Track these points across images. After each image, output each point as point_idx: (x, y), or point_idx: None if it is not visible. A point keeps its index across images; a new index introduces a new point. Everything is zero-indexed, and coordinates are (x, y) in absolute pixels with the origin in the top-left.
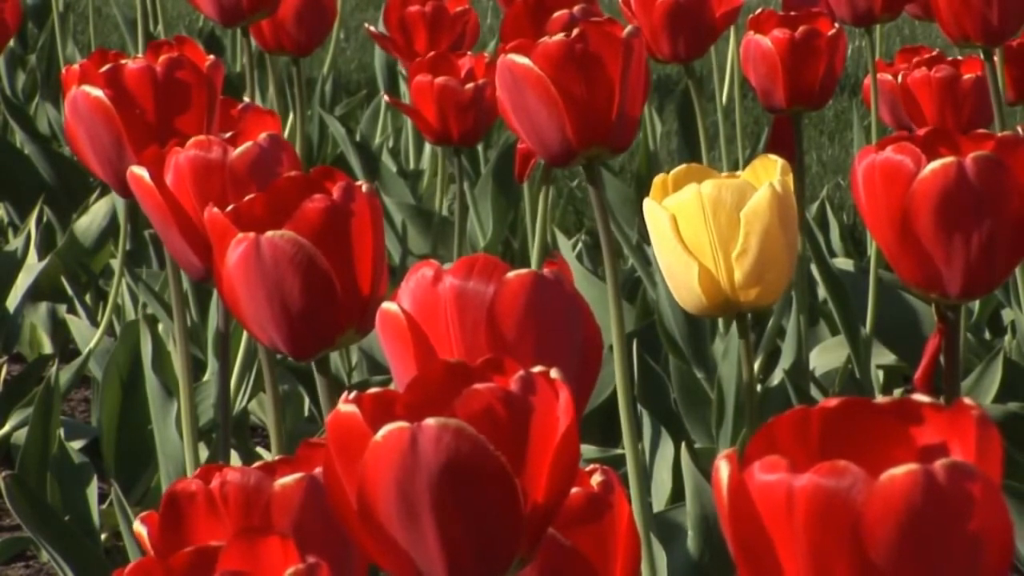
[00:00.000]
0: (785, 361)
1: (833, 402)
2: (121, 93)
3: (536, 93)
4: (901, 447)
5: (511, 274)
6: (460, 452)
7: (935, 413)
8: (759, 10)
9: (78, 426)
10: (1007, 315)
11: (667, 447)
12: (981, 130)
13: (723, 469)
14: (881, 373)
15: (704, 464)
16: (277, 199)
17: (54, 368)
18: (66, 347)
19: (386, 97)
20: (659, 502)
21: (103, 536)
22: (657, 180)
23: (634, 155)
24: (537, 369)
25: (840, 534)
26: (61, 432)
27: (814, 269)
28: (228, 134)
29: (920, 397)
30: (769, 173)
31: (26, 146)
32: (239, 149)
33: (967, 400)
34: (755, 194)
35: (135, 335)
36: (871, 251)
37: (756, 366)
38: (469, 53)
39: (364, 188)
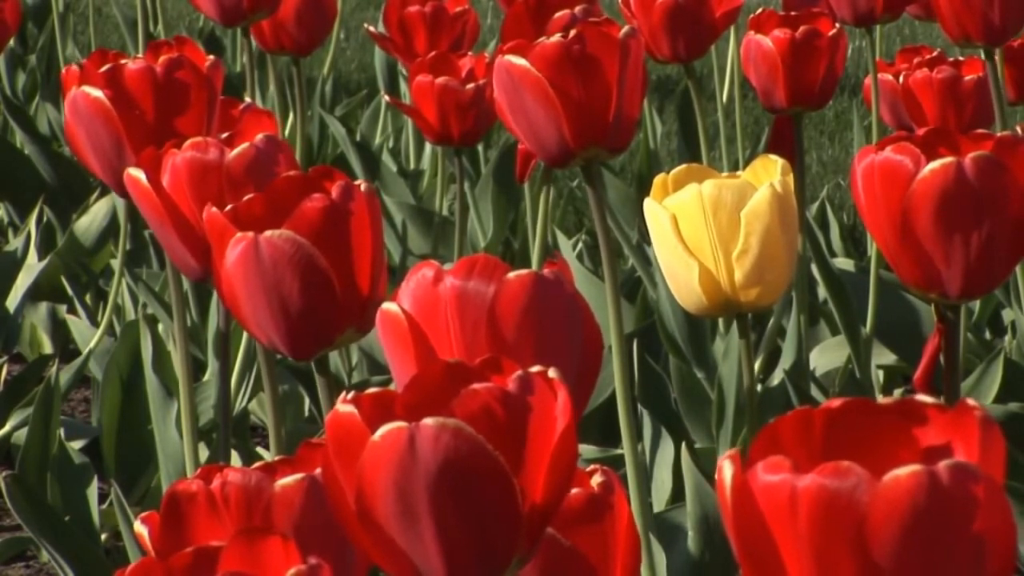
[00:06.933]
0: (785, 361)
1: (836, 402)
2: (121, 93)
3: (533, 94)
4: (904, 448)
5: (512, 274)
6: (458, 452)
7: (938, 414)
8: (759, 10)
9: (78, 426)
10: (1007, 315)
11: (667, 447)
12: (981, 130)
13: (726, 470)
14: (881, 373)
15: (704, 464)
16: (276, 199)
17: (54, 368)
18: (66, 347)
19: (387, 97)
20: (659, 502)
21: (103, 536)
22: (657, 180)
23: (635, 155)
24: (535, 369)
25: (844, 535)
26: (61, 432)
27: (814, 269)
28: (225, 135)
29: (923, 397)
30: (769, 173)
31: (26, 146)
32: (236, 150)
33: (970, 401)
34: (755, 194)
35: (135, 335)
36: (871, 251)
37: (756, 366)
38: (470, 53)
39: (363, 187)
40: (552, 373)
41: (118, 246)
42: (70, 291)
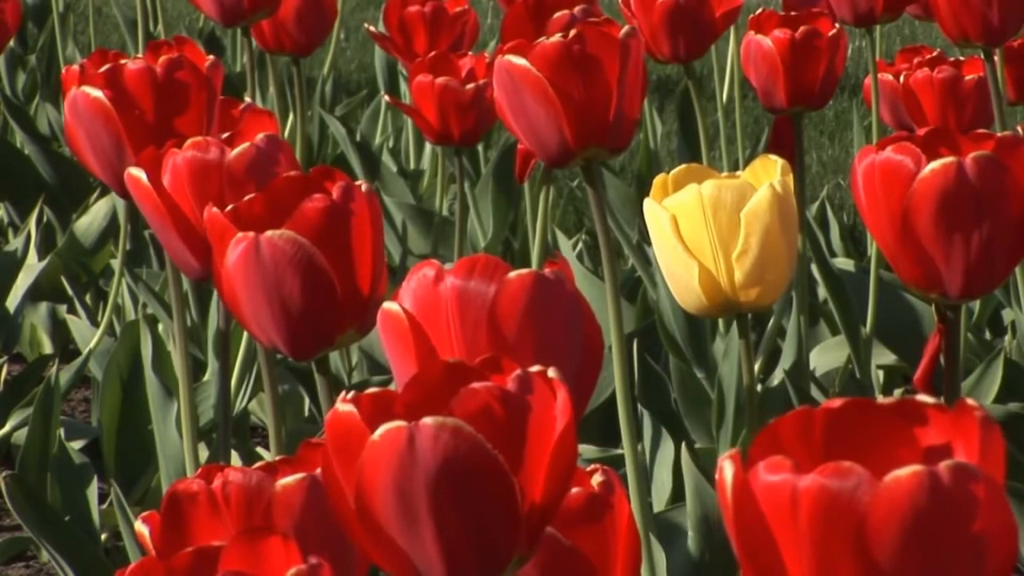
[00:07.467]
0: (785, 361)
1: (837, 402)
2: (121, 94)
3: (534, 94)
4: (905, 448)
5: (512, 274)
6: (458, 451)
7: (939, 414)
8: (759, 10)
9: (78, 426)
10: (1007, 315)
11: (667, 447)
12: (981, 130)
13: (727, 469)
14: (881, 373)
15: (704, 464)
16: (276, 199)
17: (54, 368)
18: (66, 347)
19: (387, 97)
20: (659, 502)
21: (103, 536)
22: (657, 180)
23: (635, 155)
24: (535, 368)
25: (844, 535)
26: (61, 432)
27: (814, 269)
28: (226, 135)
29: (924, 398)
30: (769, 173)
31: (26, 146)
32: (236, 150)
33: (970, 401)
34: (755, 194)
35: (135, 335)
36: (871, 251)
37: (756, 366)
38: (470, 53)
39: (363, 188)
40: (552, 373)
41: (118, 246)
42: (70, 291)
